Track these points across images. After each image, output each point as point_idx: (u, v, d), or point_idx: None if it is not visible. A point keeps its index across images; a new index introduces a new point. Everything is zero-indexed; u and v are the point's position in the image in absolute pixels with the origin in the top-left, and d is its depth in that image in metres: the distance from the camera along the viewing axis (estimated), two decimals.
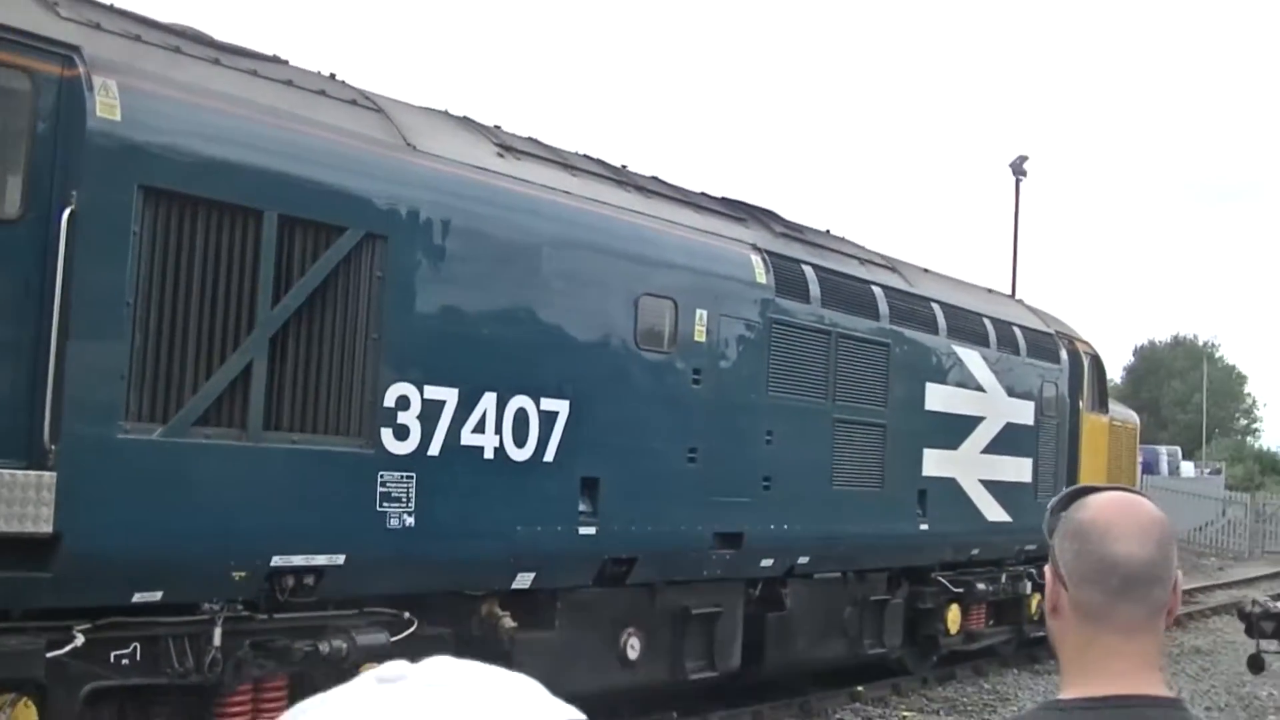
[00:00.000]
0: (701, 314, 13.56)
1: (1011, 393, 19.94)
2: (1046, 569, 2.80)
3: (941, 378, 18.00)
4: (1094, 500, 2.73)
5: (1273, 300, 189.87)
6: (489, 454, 11.27)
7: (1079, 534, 2.67)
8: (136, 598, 9.11)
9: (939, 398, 17.84)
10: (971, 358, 18.73)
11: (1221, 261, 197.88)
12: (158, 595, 9.20)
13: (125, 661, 9.27)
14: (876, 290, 16.80)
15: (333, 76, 11.20)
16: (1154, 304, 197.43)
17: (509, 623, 11.75)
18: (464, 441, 11.06)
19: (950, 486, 18.26)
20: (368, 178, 10.47)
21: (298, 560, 9.89)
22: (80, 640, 8.85)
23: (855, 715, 16.99)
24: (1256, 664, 5.88)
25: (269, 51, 10.73)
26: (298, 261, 9.89)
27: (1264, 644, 5.57)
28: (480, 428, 11.19)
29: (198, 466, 9.25)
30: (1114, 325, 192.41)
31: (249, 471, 9.55)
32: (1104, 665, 2.63)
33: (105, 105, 8.73)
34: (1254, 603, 5.65)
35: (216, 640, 9.59)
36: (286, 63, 10.84)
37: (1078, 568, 2.65)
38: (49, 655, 8.61)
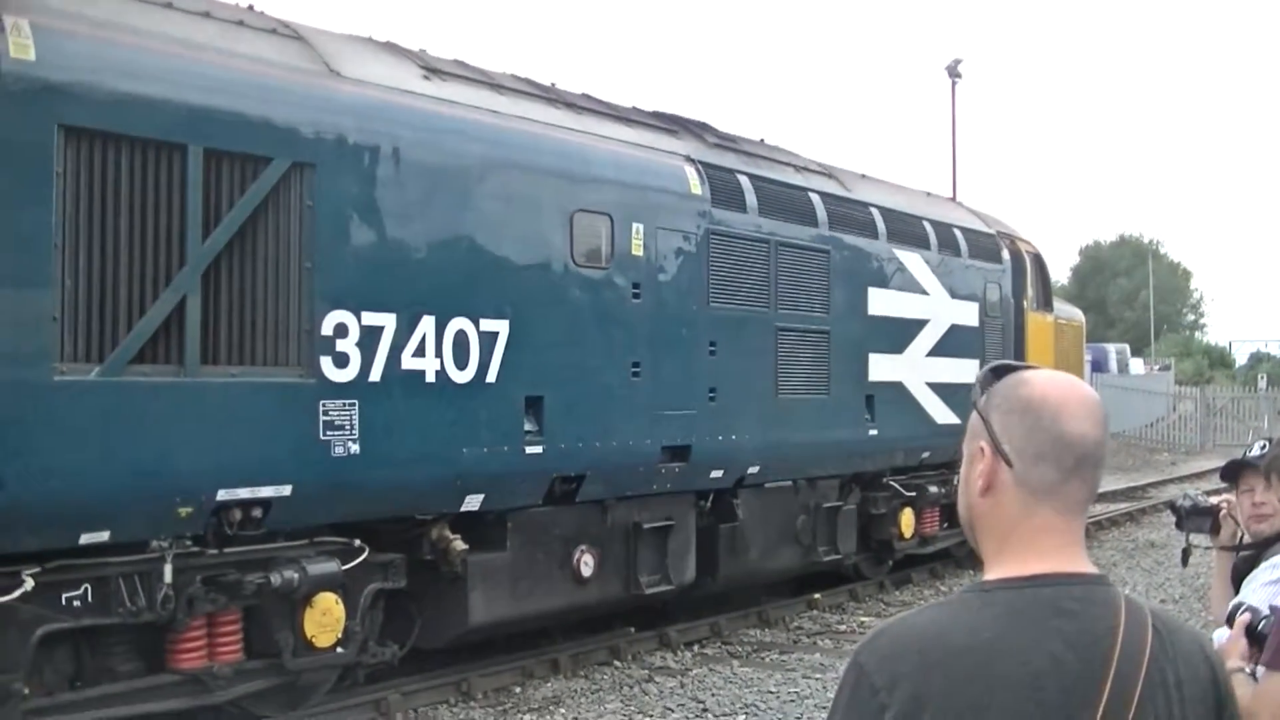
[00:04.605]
0: (638, 228, 13.53)
1: (955, 294, 19.93)
2: (975, 445, 2.68)
3: (883, 282, 17.97)
4: (1035, 377, 2.67)
5: (1215, 197, 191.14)
6: (430, 377, 11.27)
7: (1028, 410, 2.61)
8: (84, 539, 9.11)
9: (882, 302, 17.84)
10: (913, 261, 18.72)
11: (1164, 160, 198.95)
12: (105, 535, 9.21)
13: (77, 603, 9.32)
14: (814, 197, 16.75)
15: (251, 7, 11.08)
16: (1098, 204, 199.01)
17: (460, 545, 11.78)
18: (405, 366, 11.04)
19: (898, 391, 18.30)
20: (292, 106, 10.38)
21: (243, 493, 9.89)
22: (29, 584, 8.88)
23: (813, 622, 17.09)
24: (1185, 557, 6.08)
25: None
26: (225, 194, 9.84)
27: (1194, 538, 5.74)
28: (420, 351, 11.17)
29: (136, 404, 9.24)
30: (1059, 226, 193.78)
31: (188, 407, 9.53)
32: (1037, 543, 2.59)
33: (18, 46, 8.62)
34: (1185, 496, 5.81)
35: (167, 577, 9.63)
36: None
37: (1030, 443, 2.59)
38: None
